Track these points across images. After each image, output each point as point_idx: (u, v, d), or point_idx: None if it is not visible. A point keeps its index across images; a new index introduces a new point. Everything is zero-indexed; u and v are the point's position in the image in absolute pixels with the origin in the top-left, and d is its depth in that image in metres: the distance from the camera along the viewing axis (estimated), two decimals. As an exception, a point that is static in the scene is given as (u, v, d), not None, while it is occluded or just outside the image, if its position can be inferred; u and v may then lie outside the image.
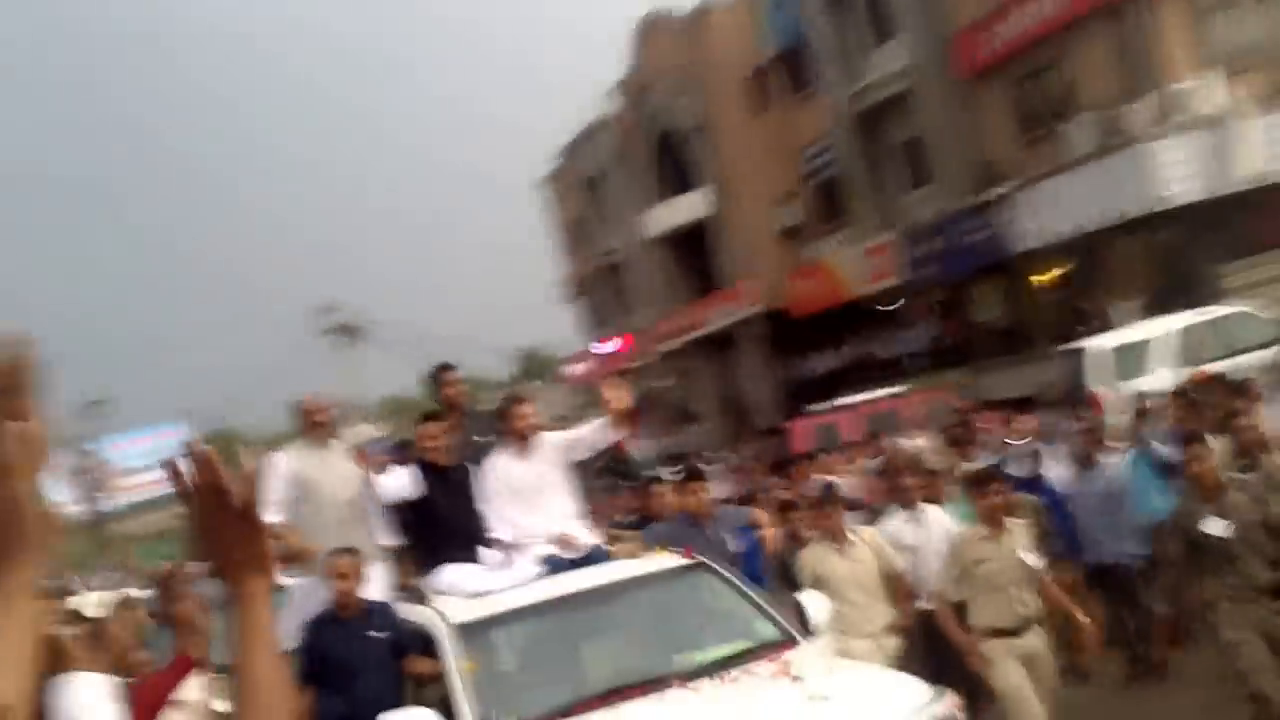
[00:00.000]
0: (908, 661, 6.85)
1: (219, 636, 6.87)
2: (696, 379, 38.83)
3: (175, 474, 1.70)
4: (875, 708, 5.16)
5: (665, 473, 19.91)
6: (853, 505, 9.01)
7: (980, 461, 11.29)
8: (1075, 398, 15.24)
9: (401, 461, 7.41)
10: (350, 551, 6.40)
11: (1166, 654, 8.70)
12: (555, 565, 6.51)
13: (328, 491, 6.95)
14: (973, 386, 26.05)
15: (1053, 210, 24.35)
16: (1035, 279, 27.00)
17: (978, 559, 6.76)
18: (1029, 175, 25.05)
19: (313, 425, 7.15)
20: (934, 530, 7.73)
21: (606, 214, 42.54)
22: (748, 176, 34.04)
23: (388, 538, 7.10)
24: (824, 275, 31.77)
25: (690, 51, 34.75)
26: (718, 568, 6.35)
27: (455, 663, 5.56)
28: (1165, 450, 9.59)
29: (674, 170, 37.25)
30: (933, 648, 7.17)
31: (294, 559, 6.54)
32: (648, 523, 7.79)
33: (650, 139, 37.70)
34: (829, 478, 10.25)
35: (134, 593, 8.59)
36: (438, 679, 5.76)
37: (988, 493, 6.86)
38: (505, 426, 6.98)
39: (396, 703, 5.77)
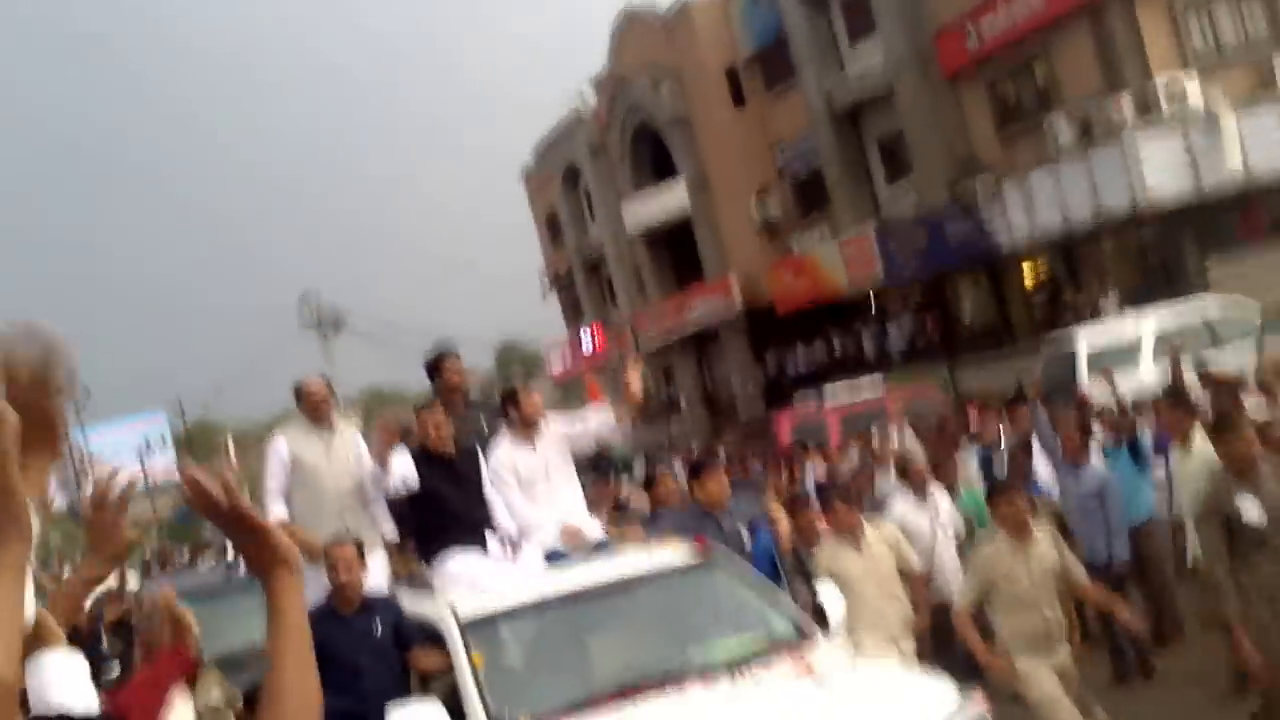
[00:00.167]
0: (924, 659, 6.76)
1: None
2: (676, 373, 38.85)
3: (193, 486, 1.74)
4: (904, 708, 5.03)
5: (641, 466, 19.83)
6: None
7: (964, 458, 11.36)
8: (1060, 394, 15.30)
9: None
10: (351, 541, 6.25)
11: (1152, 654, 8.63)
12: (561, 556, 6.41)
13: (327, 478, 6.78)
14: (953, 382, 26.24)
15: (1034, 206, 24.44)
16: (1017, 275, 27.12)
17: (1005, 573, 6.49)
18: (1010, 171, 25.15)
19: (313, 408, 6.95)
20: (942, 515, 7.69)
21: (586, 208, 42.50)
22: (727, 171, 34.03)
23: (389, 526, 6.94)
24: (805, 270, 31.81)
25: (670, 47, 34.71)
26: (731, 560, 6.23)
27: (465, 657, 5.43)
28: (1150, 448, 9.68)
29: (653, 164, 37.23)
30: (946, 645, 7.11)
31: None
32: (657, 514, 7.67)
33: (628, 133, 37.66)
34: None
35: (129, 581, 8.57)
36: (444, 672, 5.65)
37: (1010, 500, 6.61)
38: (512, 414, 6.83)
39: (402, 697, 5.62)
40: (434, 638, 5.81)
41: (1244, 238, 23.07)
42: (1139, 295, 21.35)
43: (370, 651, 5.97)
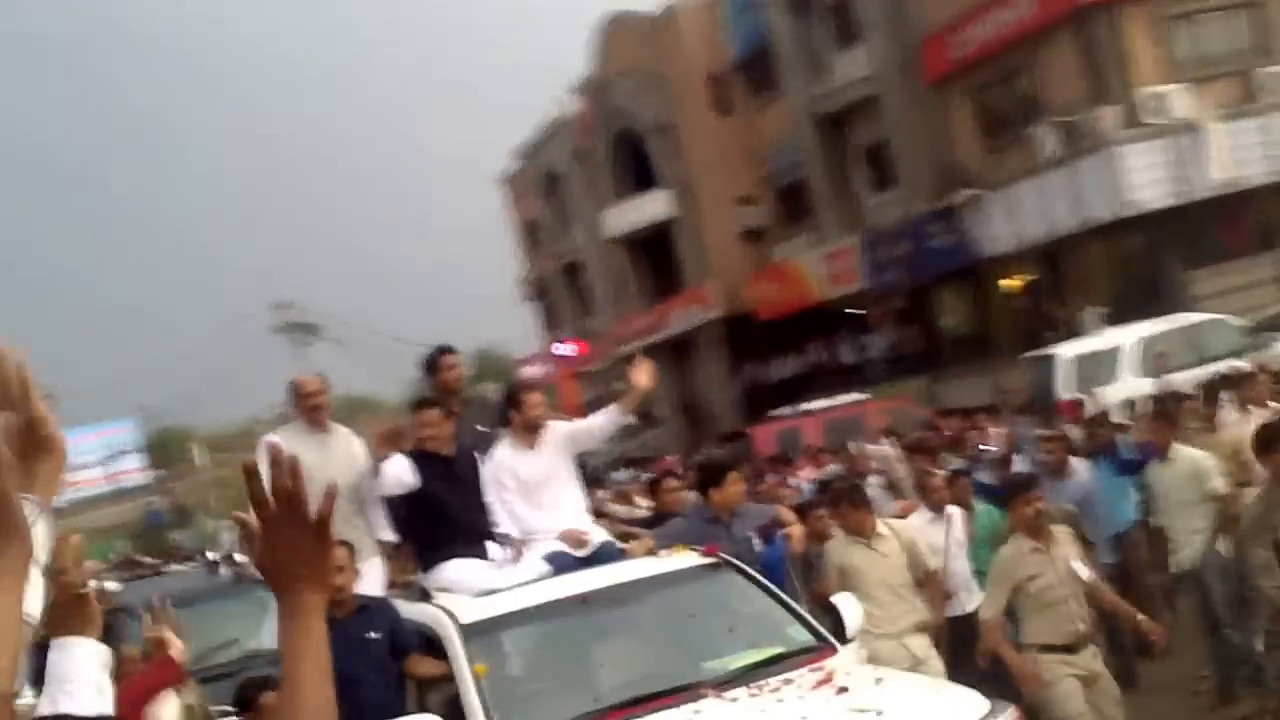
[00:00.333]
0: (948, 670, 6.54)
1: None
2: (655, 382, 38.57)
3: (253, 477, 1.68)
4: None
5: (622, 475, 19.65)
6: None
7: (946, 468, 11.24)
8: (1043, 406, 15.20)
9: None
10: (342, 544, 5.98)
11: (1135, 663, 8.57)
12: (564, 563, 6.14)
13: (324, 481, 6.50)
14: (933, 394, 26.15)
15: (1018, 216, 24.39)
16: (1000, 285, 27.04)
17: (1030, 574, 6.35)
18: (994, 181, 25.09)
19: (309, 408, 6.67)
20: (957, 531, 7.53)
21: (566, 214, 42.26)
22: (710, 178, 33.87)
23: (387, 531, 6.68)
24: (786, 278, 31.69)
25: (655, 52, 34.54)
26: (743, 567, 5.98)
27: (466, 665, 5.18)
28: (1132, 457, 9.62)
29: (634, 170, 37.04)
30: (964, 658, 6.90)
31: None
32: (661, 519, 7.45)
33: (610, 138, 37.47)
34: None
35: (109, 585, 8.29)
36: (442, 681, 5.41)
37: (1028, 500, 6.46)
38: (513, 416, 6.57)
39: (398, 708, 5.40)
40: (433, 645, 5.55)
41: (1227, 249, 23.08)
42: (1122, 306, 21.28)
43: (365, 658, 5.70)
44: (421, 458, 6.41)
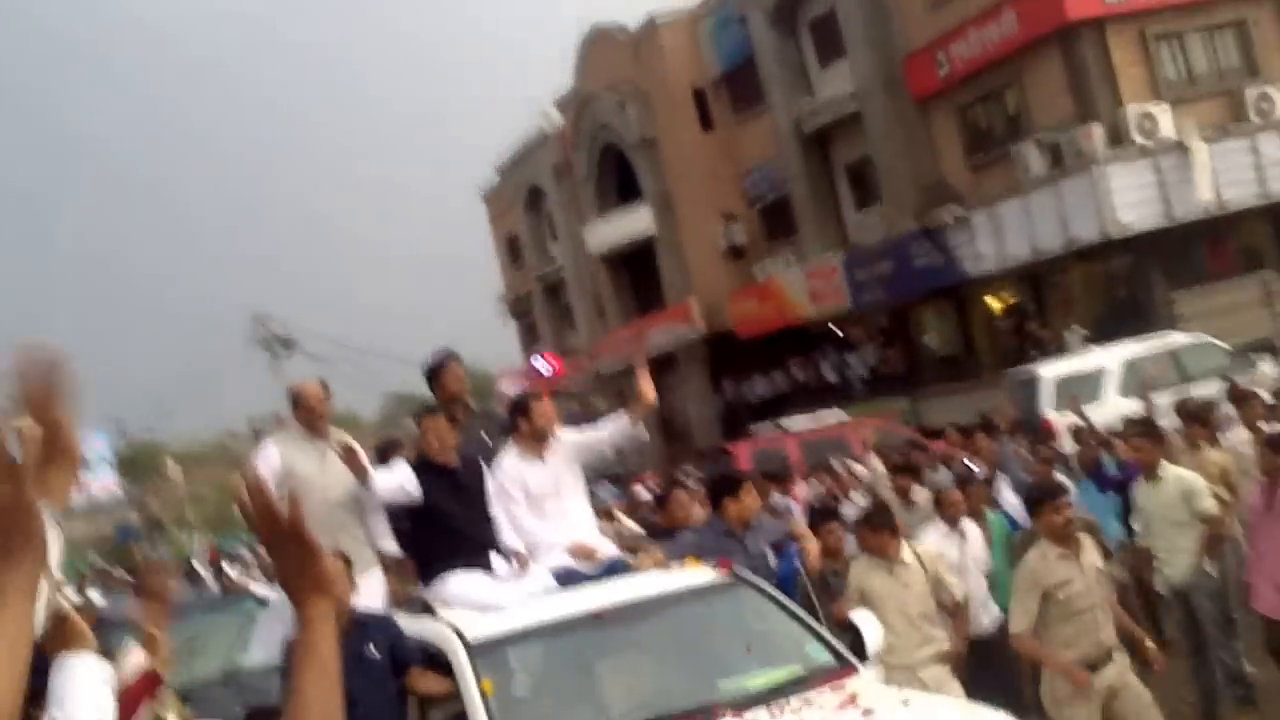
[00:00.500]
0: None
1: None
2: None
3: (238, 502, 1.79)
4: None
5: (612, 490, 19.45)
6: None
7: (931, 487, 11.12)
8: (1028, 425, 15.10)
9: (384, 460, 6.84)
10: (338, 556, 5.75)
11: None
12: (572, 577, 5.93)
13: (321, 491, 6.20)
14: (915, 413, 26.04)
15: (1002, 235, 24.32)
16: (983, 305, 26.98)
17: (1058, 581, 6.17)
18: (979, 199, 25.02)
19: (308, 416, 6.42)
20: (974, 547, 7.35)
21: (547, 230, 42.05)
22: (693, 194, 33.70)
23: (389, 542, 6.42)
24: (768, 296, 31.54)
25: (637, 68, 34.42)
26: (760, 583, 5.75)
27: (473, 684, 4.94)
28: (1116, 475, 9.54)
29: (616, 187, 36.88)
30: (982, 677, 6.69)
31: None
32: (669, 532, 7.24)
33: (593, 154, 37.30)
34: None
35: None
36: (446, 699, 5.21)
37: (1057, 508, 6.30)
38: (521, 424, 6.35)
39: (399, 725, 5.19)
40: (437, 662, 5.31)
41: (1212, 270, 23.09)
42: (1106, 326, 21.23)
43: (364, 675, 5.44)
44: (425, 468, 6.19)
